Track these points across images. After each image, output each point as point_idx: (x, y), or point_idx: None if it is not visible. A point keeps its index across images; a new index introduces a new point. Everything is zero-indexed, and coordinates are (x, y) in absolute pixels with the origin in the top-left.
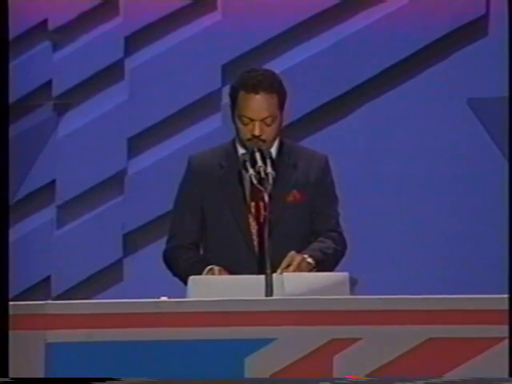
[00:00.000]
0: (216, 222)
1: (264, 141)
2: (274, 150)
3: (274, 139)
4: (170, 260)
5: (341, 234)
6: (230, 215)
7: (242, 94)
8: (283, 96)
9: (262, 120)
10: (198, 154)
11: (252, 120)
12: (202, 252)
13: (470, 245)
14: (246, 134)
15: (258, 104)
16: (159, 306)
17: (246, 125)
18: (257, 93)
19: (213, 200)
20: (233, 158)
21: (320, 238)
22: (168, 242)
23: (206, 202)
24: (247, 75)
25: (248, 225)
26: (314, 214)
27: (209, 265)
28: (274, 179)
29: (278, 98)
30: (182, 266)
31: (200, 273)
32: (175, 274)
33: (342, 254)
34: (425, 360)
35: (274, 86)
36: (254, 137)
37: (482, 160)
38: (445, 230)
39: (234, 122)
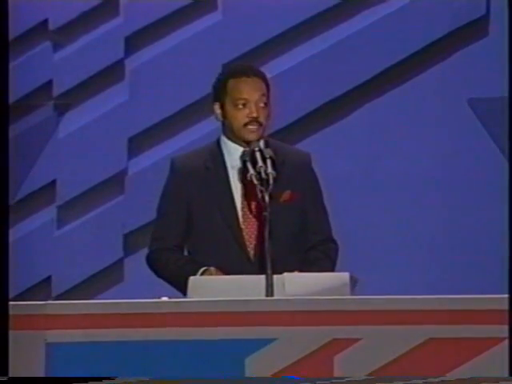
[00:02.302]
0: (205, 224)
1: (261, 124)
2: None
3: (265, 128)
4: (156, 261)
5: (334, 242)
6: (219, 216)
7: (232, 81)
8: (268, 89)
9: (258, 100)
10: (181, 156)
11: (247, 102)
12: (186, 254)
13: (470, 245)
14: (242, 119)
15: (251, 84)
16: (159, 306)
17: (240, 109)
18: (249, 76)
19: (200, 202)
20: (218, 158)
21: (317, 255)
22: (152, 244)
23: (193, 204)
24: (233, 66)
25: (238, 225)
26: (308, 222)
27: (198, 266)
28: (274, 178)
29: (266, 87)
30: (170, 267)
31: (192, 274)
32: (161, 276)
33: (335, 264)
34: (425, 360)
35: (263, 75)
36: (252, 119)
37: (482, 160)
38: (445, 229)
39: (224, 116)
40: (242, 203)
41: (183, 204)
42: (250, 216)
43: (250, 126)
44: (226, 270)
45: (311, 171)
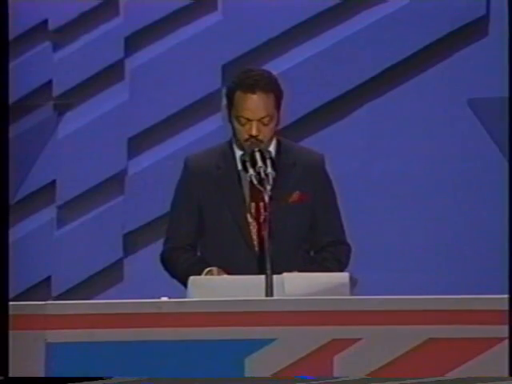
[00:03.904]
0: (215, 224)
1: (261, 141)
2: (272, 150)
3: (271, 139)
4: (167, 261)
5: (346, 244)
6: (229, 216)
7: (238, 94)
8: (280, 96)
9: (259, 120)
10: (195, 155)
11: (249, 120)
12: (199, 253)
13: (470, 245)
14: (243, 134)
15: (255, 104)
16: (159, 306)
17: (243, 125)
18: (254, 92)
19: (211, 201)
20: (230, 158)
21: (325, 256)
22: (165, 243)
23: (203, 203)
24: (244, 75)
25: (248, 225)
26: (318, 223)
27: (208, 266)
28: (275, 179)
29: (275, 97)
30: (180, 267)
31: (199, 274)
32: (173, 276)
33: (347, 263)
34: (425, 360)
35: (271, 86)
36: (251, 137)
37: (482, 160)
38: (445, 229)
39: (230, 122)
40: (251, 203)
41: (195, 203)
42: (257, 216)
43: (249, 143)
44: (234, 271)
45: (323, 172)
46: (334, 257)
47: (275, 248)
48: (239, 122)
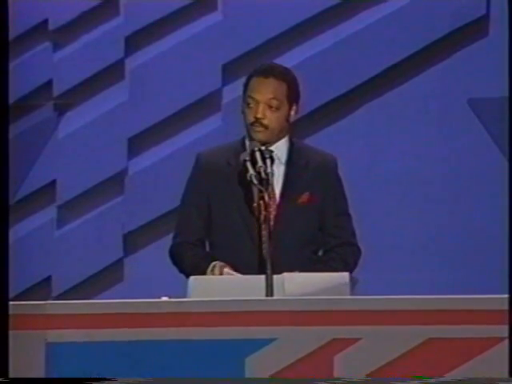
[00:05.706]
0: (223, 220)
1: (266, 126)
2: (284, 150)
3: (278, 131)
4: (176, 256)
5: (355, 245)
6: (237, 213)
7: (252, 79)
8: (294, 90)
9: (266, 102)
10: (207, 151)
11: (257, 102)
12: (207, 249)
13: (470, 245)
14: (249, 117)
15: (265, 86)
16: (159, 306)
17: (250, 108)
18: (266, 77)
19: (220, 198)
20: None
21: (332, 256)
22: (174, 237)
23: (212, 199)
24: (261, 65)
25: (254, 223)
26: (326, 225)
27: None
28: (286, 179)
29: (288, 88)
30: (187, 262)
31: (205, 270)
32: (181, 271)
33: (355, 265)
34: (425, 360)
35: (286, 76)
36: (257, 120)
37: (482, 160)
38: (445, 229)
39: (242, 112)
40: (258, 202)
41: (204, 199)
42: (259, 215)
43: (253, 127)
44: (240, 268)
45: (335, 175)
46: (340, 257)
47: (280, 248)
48: (248, 104)
